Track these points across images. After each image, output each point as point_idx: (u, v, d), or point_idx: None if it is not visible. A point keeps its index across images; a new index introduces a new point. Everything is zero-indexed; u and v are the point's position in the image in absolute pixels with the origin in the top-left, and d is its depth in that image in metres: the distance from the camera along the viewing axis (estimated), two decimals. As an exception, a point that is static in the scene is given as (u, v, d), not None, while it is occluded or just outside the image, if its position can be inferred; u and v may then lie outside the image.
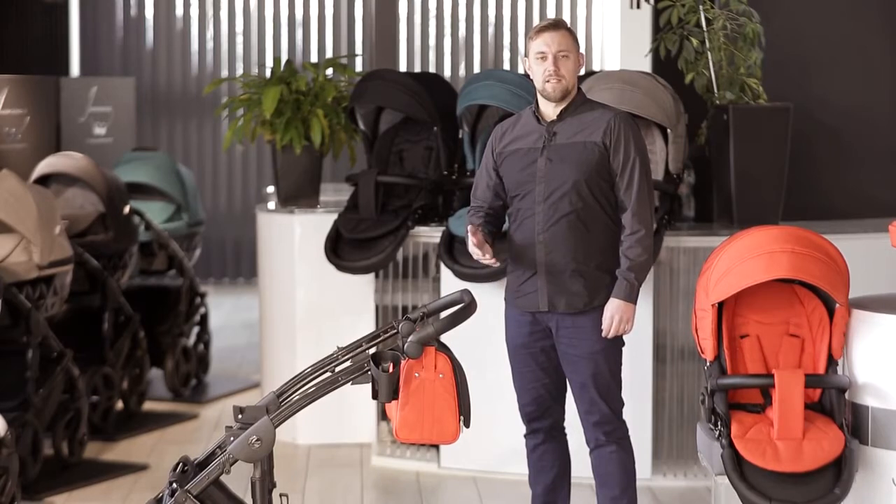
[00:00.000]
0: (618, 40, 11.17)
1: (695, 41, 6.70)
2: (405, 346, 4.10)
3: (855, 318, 4.80)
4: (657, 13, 6.92)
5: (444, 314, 4.22)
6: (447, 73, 13.14)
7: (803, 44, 7.52)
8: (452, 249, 6.72)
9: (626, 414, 5.12)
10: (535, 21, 13.14)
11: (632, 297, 4.92)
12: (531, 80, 6.79)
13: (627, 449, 5.09)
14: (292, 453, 7.24)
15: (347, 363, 4.19)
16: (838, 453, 4.63)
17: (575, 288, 4.94)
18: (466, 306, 4.22)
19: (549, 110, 5.03)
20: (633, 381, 6.47)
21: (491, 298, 6.56)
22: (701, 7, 6.73)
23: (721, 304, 4.79)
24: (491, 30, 13.20)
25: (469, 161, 6.98)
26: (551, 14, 13.08)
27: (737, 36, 6.73)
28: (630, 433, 5.11)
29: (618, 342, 5.03)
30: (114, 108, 10.31)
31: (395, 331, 4.21)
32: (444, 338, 4.20)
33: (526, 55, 5.03)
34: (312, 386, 4.16)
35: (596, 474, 5.11)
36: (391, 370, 4.07)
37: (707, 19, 6.73)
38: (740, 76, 6.72)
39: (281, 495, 4.14)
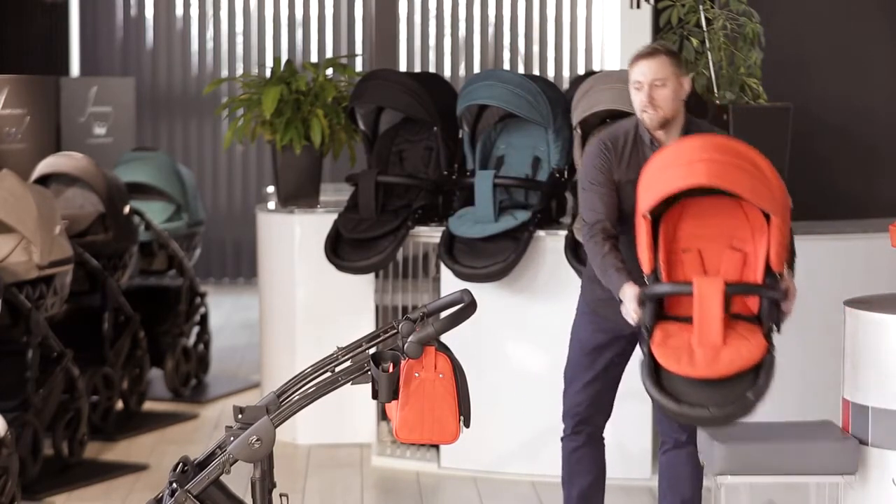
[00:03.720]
0: (618, 40, 11.17)
1: (695, 41, 6.70)
2: (405, 346, 4.09)
3: (855, 318, 4.80)
4: (657, 13, 6.92)
5: (444, 314, 4.21)
6: (447, 73, 13.14)
7: (803, 44, 7.52)
8: (452, 249, 6.72)
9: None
10: (536, 21, 13.15)
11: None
12: (533, 81, 6.84)
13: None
14: (292, 453, 7.24)
15: (347, 363, 4.18)
16: (757, 360, 4.50)
17: None
18: (466, 306, 4.22)
19: (662, 136, 4.92)
20: (634, 380, 6.47)
21: (491, 298, 6.57)
22: (701, 7, 6.73)
23: (659, 217, 4.70)
24: (491, 30, 13.20)
25: (469, 161, 6.97)
26: (551, 14, 13.09)
27: (737, 36, 6.73)
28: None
29: None
30: (114, 108, 10.31)
31: (395, 331, 4.21)
32: (444, 338, 4.19)
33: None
34: (312, 386, 4.15)
35: (667, 475, 5.09)
36: (391, 370, 4.07)
37: (707, 19, 6.73)
38: (740, 76, 6.72)
39: (281, 495, 4.13)
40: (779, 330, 4.67)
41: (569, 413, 5.17)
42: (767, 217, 4.62)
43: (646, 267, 4.69)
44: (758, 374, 4.50)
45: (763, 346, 4.53)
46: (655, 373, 4.58)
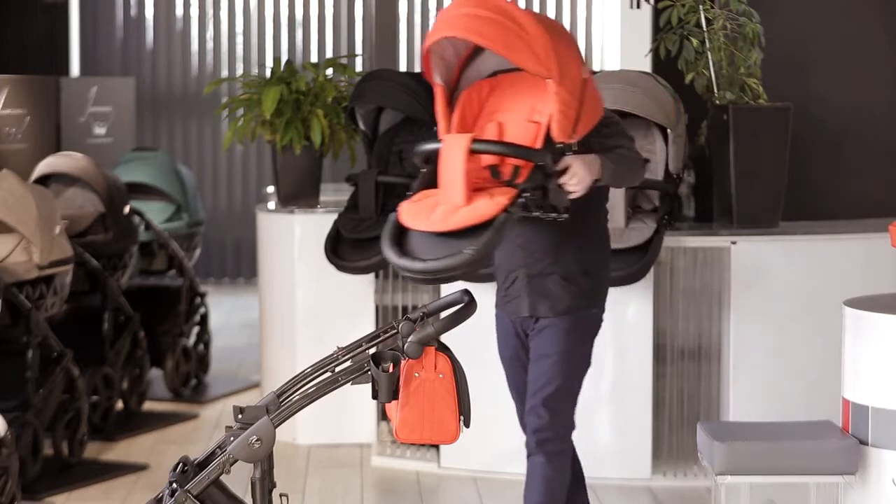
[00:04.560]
0: (618, 40, 11.17)
1: (695, 41, 6.70)
2: (405, 347, 4.09)
3: (855, 318, 4.80)
4: (657, 13, 6.93)
5: (444, 314, 4.21)
6: (447, 73, 13.11)
7: (803, 44, 7.53)
8: (452, 249, 6.71)
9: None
10: (535, 21, 13.14)
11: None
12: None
13: (556, 467, 4.85)
14: (292, 453, 7.24)
15: (347, 363, 4.18)
16: (488, 216, 4.34)
17: (558, 292, 4.81)
18: (466, 306, 4.22)
19: None
20: (634, 380, 6.48)
21: (491, 298, 6.56)
22: (701, 7, 6.73)
23: (454, 89, 4.67)
24: (491, 30, 13.18)
25: (469, 161, 6.97)
26: (551, 15, 13.08)
27: (737, 36, 6.73)
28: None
29: (585, 361, 4.87)
30: (114, 108, 10.32)
31: (395, 331, 4.21)
32: (444, 338, 4.19)
33: None
34: (312, 386, 4.15)
35: (526, 478, 4.94)
36: (391, 370, 4.07)
37: (707, 19, 6.74)
38: (740, 76, 6.73)
39: (281, 495, 4.13)
40: (557, 211, 4.48)
41: (522, 425, 5.07)
42: None
43: (441, 133, 4.64)
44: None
45: (502, 205, 4.36)
46: (399, 232, 4.50)
